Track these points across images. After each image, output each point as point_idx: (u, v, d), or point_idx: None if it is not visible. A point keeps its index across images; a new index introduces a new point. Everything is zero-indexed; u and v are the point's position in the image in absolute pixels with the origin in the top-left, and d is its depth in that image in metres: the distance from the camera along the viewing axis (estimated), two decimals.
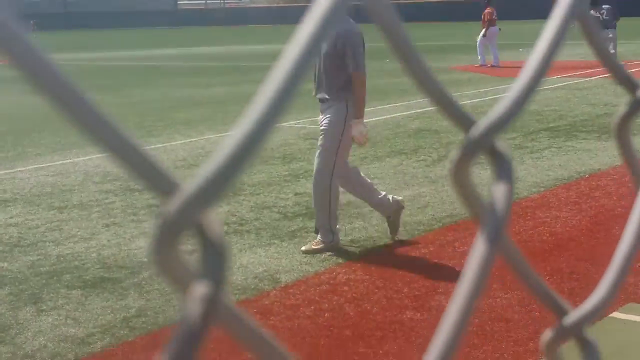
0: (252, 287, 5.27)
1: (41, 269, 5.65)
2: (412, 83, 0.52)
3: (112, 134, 0.38)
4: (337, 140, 5.95)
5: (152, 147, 10.58)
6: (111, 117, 0.38)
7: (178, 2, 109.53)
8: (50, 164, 9.52)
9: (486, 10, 22.57)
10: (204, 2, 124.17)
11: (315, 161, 6.13)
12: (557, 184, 7.98)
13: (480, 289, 0.51)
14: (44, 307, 4.96)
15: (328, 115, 5.97)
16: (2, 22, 0.34)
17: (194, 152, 10.16)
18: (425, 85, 0.53)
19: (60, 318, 4.79)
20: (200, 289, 0.37)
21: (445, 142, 10.33)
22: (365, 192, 6.23)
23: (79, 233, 6.53)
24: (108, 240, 6.31)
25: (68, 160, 9.71)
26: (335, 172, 6.02)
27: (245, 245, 6.13)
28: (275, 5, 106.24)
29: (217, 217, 0.40)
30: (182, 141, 11.03)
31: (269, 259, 5.82)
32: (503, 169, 0.54)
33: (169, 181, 0.38)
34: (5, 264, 5.75)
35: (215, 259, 0.38)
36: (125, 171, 0.39)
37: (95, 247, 6.13)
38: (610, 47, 20.49)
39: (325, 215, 5.97)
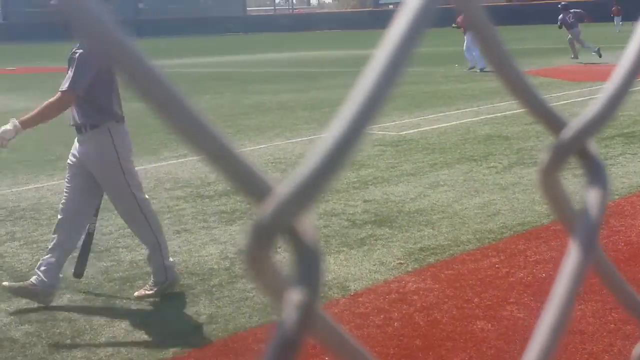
0: (321, 295, 5.25)
1: (114, 274, 5.74)
2: (503, 85, 0.50)
3: (208, 136, 0.37)
4: (119, 172, 5.40)
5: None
6: (207, 119, 0.38)
7: (247, 8, 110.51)
8: None
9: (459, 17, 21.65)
10: (272, 8, 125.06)
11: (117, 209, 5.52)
12: (632, 191, 7.81)
13: (575, 297, 0.49)
14: (117, 313, 5.03)
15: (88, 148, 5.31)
16: (109, 30, 0.34)
17: (263, 158, 10.22)
18: (517, 88, 0.51)
19: (133, 324, 4.86)
20: (295, 296, 0.36)
21: (516, 149, 10.20)
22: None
23: None
24: (179, 247, 6.38)
25: (140, 167, 9.80)
26: (141, 203, 5.45)
27: None
28: (343, 10, 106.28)
29: (311, 221, 0.39)
30: (252, 148, 11.10)
31: (337, 266, 5.81)
32: (596, 173, 0.51)
33: (263, 184, 0.37)
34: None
35: (310, 264, 0.37)
36: (219, 174, 0.38)
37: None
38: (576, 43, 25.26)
39: (156, 252, 5.29)
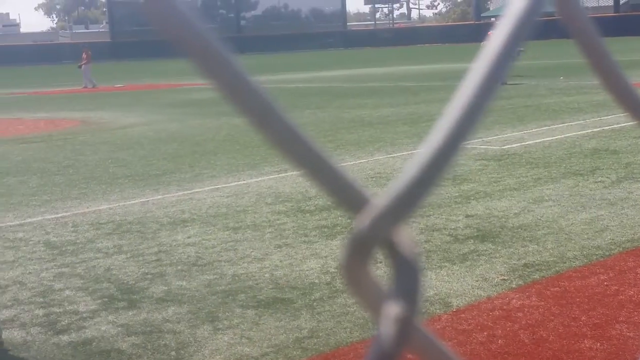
0: (423, 310, 5.20)
1: (217, 288, 5.81)
2: (611, 98, 0.47)
3: (306, 149, 0.36)
4: None
5: None
6: (305, 133, 0.36)
7: (347, 24, 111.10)
8: (225, 185, 9.82)
9: None
10: (373, 22, 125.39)
11: None
12: None
13: None
14: (220, 326, 5.08)
15: None
16: (210, 47, 0.33)
17: (363, 173, 10.21)
18: (625, 100, 0.48)
19: (236, 337, 4.90)
20: (393, 309, 0.34)
21: (625, 163, 9.90)
22: None
23: (252, 253, 6.68)
24: (280, 261, 6.42)
25: (242, 182, 9.98)
26: None
27: None
28: (444, 24, 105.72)
29: (409, 233, 0.37)
30: (352, 162, 11.11)
31: (439, 282, 5.73)
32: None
33: (360, 196, 0.36)
34: (184, 283, 5.95)
35: (408, 277, 0.35)
36: (317, 186, 0.37)
37: (268, 268, 6.24)
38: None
39: None
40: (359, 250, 0.35)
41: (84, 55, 36.33)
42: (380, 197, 0.34)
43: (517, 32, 0.39)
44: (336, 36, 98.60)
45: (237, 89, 0.35)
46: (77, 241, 7.32)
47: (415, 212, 0.36)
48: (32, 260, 6.75)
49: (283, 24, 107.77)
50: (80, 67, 35.91)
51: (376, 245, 0.35)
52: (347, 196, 0.36)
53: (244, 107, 0.35)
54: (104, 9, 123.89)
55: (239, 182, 9.96)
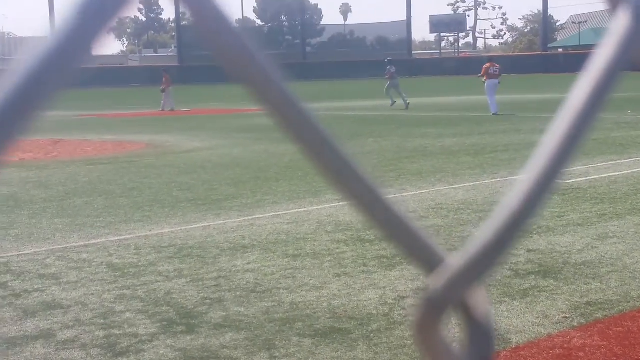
0: None
1: (275, 315, 5.82)
2: None
3: (375, 199, 0.35)
4: None
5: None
6: (371, 178, 0.36)
7: (412, 52, 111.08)
8: (286, 212, 9.86)
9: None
10: (438, 51, 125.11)
11: None
12: None
13: None
14: (277, 354, 5.09)
15: None
16: (265, 73, 0.33)
17: (424, 204, 10.15)
18: None
19: None
20: None
21: None
22: None
23: (311, 282, 6.68)
24: (339, 290, 6.40)
25: (302, 209, 10.01)
26: None
27: None
28: (510, 54, 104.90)
29: (484, 295, 0.36)
30: (413, 192, 11.06)
31: (499, 317, 5.65)
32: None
33: (434, 255, 0.35)
34: (242, 309, 5.97)
35: (482, 342, 0.35)
36: (388, 240, 0.36)
37: (326, 297, 6.24)
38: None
39: None
40: (432, 311, 0.34)
41: (164, 79, 36.92)
42: (456, 257, 0.33)
43: (618, 61, 0.38)
44: (401, 64, 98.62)
45: (289, 116, 0.35)
46: (139, 264, 7.41)
47: (491, 274, 0.35)
48: (95, 281, 6.86)
49: (348, 51, 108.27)
50: (163, 90, 36.47)
51: (450, 306, 0.35)
52: (421, 253, 0.35)
53: (296, 135, 0.35)
54: (173, 34, 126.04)
55: (300, 209, 9.99)
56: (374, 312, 5.84)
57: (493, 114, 25.77)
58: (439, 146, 17.17)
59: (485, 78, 27.16)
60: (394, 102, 33.01)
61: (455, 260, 0.33)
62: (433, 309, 0.33)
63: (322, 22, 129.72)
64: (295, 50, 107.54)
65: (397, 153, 16.07)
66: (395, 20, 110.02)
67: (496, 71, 27.19)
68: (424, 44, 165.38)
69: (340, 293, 6.34)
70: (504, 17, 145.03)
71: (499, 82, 27.17)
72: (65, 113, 36.23)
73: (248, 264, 7.33)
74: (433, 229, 8.63)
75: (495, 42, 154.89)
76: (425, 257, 0.35)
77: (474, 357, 0.34)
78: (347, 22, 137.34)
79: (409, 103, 31.92)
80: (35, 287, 6.71)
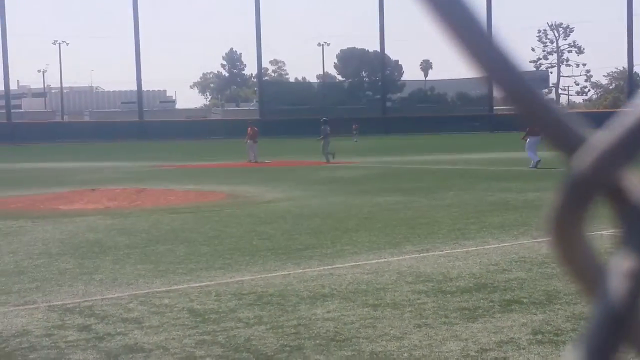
0: None
1: None
2: None
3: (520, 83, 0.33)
4: None
5: (466, 250, 10.55)
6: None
7: (494, 107, 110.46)
8: (365, 262, 9.81)
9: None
10: None
11: None
12: None
13: None
14: None
15: None
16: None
17: (507, 257, 9.98)
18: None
19: None
20: (624, 262, 0.29)
21: None
22: None
23: (391, 332, 6.59)
24: (419, 341, 6.31)
25: (383, 260, 9.95)
26: None
27: (561, 358, 5.84)
28: (595, 110, 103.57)
29: (637, 176, 0.31)
30: (496, 245, 10.89)
31: None
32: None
33: (574, 133, 0.31)
34: (322, 357, 5.92)
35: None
36: (533, 121, 0.33)
37: (406, 347, 6.14)
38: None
39: None
40: (578, 198, 0.30)
41: (249, 131, 37.56)
42: (602, 135, 0.29)
43: None
44: (482, 120, 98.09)
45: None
46: (220, 310, 7.44)
47: None
48: (176, 326, 6.90)
49: (428, 106, 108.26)
50: (254, 141, 37.12)
51: (598, 191, 0.30)
52: (560, 132, 0.31)
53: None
54: (255, 88, 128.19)
55: (380, 260, 9.92)
56: None
57: (534, 166, 27.34)
58: (522, 200, 16.92)
59: (526, 137, 28.74)
60: (328, 159, 35.51)
61: (600, 139, 0.29)
62: (579, 194, 0.29)
63: (402, 78, 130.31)
64: (375, 105, 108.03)
65: (478, 206, 15.88)
66: (476, 76, 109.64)
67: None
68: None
69: (421, 344, 6.24)
70: (588, 74, 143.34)
71: (540, 139, 27.59)
72: (149, 163, 37.02)
73: (328, 312, 7.28)
74: (517, 282, 8.47)
75: (579, 99, 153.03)
76: (565, 136, 0.31)
77: (634, 243, 0.30)
78: (427, 78, 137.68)
79: (331, 160, 35.17)
80: (118, 330, 6.79)
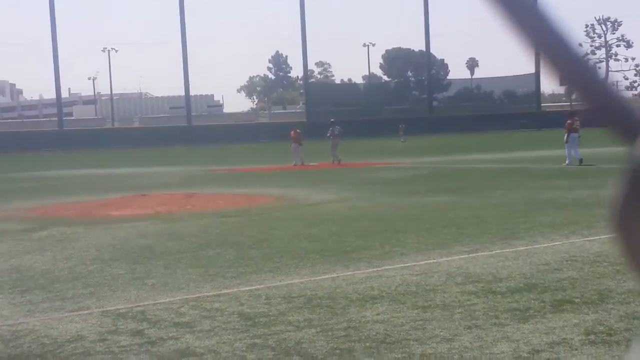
0: None
1: None
2: None
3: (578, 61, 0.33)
4: None
5: (515, 249, 10.47)
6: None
7: (542, 105, 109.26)
8: (414, 263, 9.79)
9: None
10: (568, 103, 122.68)
11: None
12: None
13: None
14: None
15: None
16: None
17: (557, 256, 9.88)
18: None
19: None
20: None
21: None
22: None
23: (441, 333, 6.58)
24: (470, 343, 6.28)
25: (432, 261, 9.92)
26: None
27: (614, 358, 5.77)
28: None
29: None
30: (546, 244, 10.79)
31: None
32: None
33: (636, 119, 0.31)
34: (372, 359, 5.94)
35: None
36: (587, 107, 0.33)
37: (457, 349, 6.12)
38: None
39: None
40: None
41: (293, 134, 37.67)
42: None
43: None
44: (530, 117, 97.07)
45: None
46: (270, 313, 7.49)
47: None
48: (227, 330, 6.96)
49: (475, 105, 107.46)
50: (299, 144, 37.26)
51: None
52: (621, 119, 0.32)
53: None
54: (301, 90, 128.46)
55: (429, 261, 9.90)
56: None
57: (566, 165, 27.77)
58: (572, 198, 16.73)
59: (566, 135, 29.06)
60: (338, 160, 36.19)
61: None
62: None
63: (448, 77, 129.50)
64: (421, 105, 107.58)
65: (527, 205, 15.75)
66: (523, 73, 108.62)
67: (577, 125, 28.96)
68: (554, 97, 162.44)
69: (471, 345, 6.21)
70: (637, 68, 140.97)
71: (578, 136, 28.72)
72: (198, 168, 37.31)
73: (377, 314, 7.29)
74: (568, 281, 8.39)
75: (628, 94, 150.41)
76: (626, 123, 0.31)
77: None
78: (473, 77, 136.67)
79: (339, 161, 35.78)
80: (170, 335, 6.87)
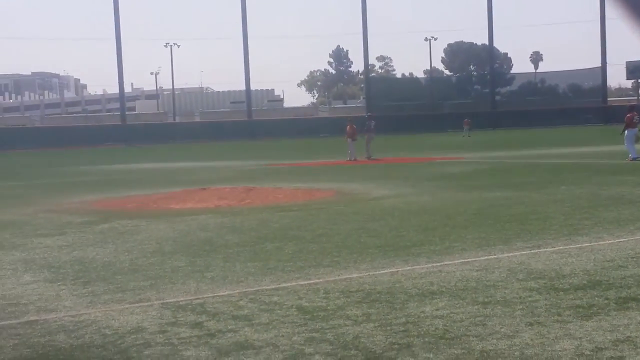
0: None
1: None
2: None
3: None
4: None
5: (579, 246, 10.28)
6: None
7: (607, 99, 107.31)
8: (475, 258, 9.67)
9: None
10: (636, 97, 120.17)
11: None
12: None
13: None
14: None
15: None
16: None
17: (622, 252, 9.66)
18: None
19: None
20: None
21: None
22: None
23: (502, 330, 6.47)
24: (531, 340, 6.16)
25: (492, 256, 9.78)
26: None
27: None
28: None
29: None
30: (611, 241, 10.56)
31: None
32: None
33: None
34: (431, 355, 5.86)
35: None
36: None
37: (518, 346, 6.01)
38: None
39: None
40: None
41: (348, 129, 37.57)
42: None
43: None
44: (595, 112, 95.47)
45: None
46: (328, 307, 7.46)
47: None
48: (285, 323, 6.95)
49: (539, 99, 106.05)
50: (354, 139, 37.15)
51: None
52: None
53: None
54: (362, 85, 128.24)
55: (490, 257, 9.76)
56: None
57: (633, 159, 27.41)
58: (638, 194, 16.37)
59: (625, 129, 28.92)
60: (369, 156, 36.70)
61: None
62: None
63: (511, 71, 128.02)
64: (484, 99, 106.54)
65: (591, 201, 15.45)
66: (589, 67, 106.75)
67: (637, 120, 28.87)
68: (620, 91, 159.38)
69: (533, 342, 6.10)
70: None
71: (638, 130, 28.59)
72: (258, 162, 37.51)
73: (437, 310, 7.21)
74: (633, 279, 8.19)
75: None
76: None
77: None
78: (537, 70, 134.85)
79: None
80: (229, 327, 6.88)
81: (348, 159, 36.56)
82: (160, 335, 6.67)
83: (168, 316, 7.35)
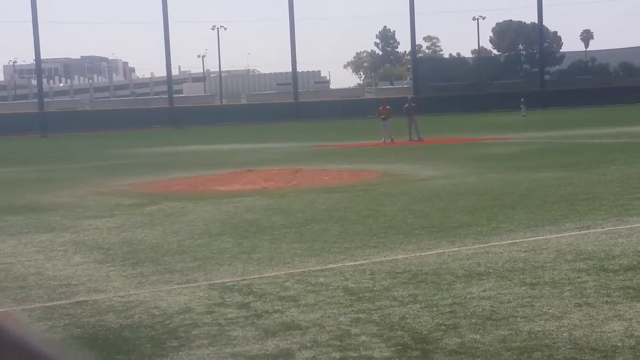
0: None
1: (512, 344, 5.62)
2: None
3: None
4: None
5: (629, 226, 10.12)
6: None
7: None
8: (522, 240, 9.58)
9: None
10: None
11: None
12: None
13: None
14: None
15: None
16: None
17: None
18: None
19: None
20: None
21: None
22: None
23: (550, 311, 6.41)
24: (579, 321, 6.10)
25: (540, 237, 9.68)
26: None
27: None
28: None
29: None
30: None
31: None
32: None
33: None
34: (478, 336, 5.83)
35: None
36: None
37: (566, 327, 5.95)
38: None
39: None
40: None
41: (381, 108, 37.06)
42: None
43: None
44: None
45: None
46: (374, 288, 7.46)
47: None
48: (331, 304, 6.97)
49: (589, 78, 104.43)
50: (384, 118, 36.41)
51: None
52: None
53: None
54: (409, 66, 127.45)
55: (538, 238, 9.66)
56: (619, 344, 5.50)
57: None
58: None
59: None
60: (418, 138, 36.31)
61: None
62: None
63: (561, 50, 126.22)
64: (533, 78, 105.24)
65: None
66: None
67: None
68: None
69: (581, 323, 6.03)
70: None
71: None
72: (304, 144, 37.55)
73: (484, 291, 7.16)
74: None
75: None
76: None
77: None
78: (588, 49, 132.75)
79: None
80: (275, 308, 6.92)
81: (383, 140, 36.09)
82: (208, 316, 6.73)
83: (215, 297, 7.40)
